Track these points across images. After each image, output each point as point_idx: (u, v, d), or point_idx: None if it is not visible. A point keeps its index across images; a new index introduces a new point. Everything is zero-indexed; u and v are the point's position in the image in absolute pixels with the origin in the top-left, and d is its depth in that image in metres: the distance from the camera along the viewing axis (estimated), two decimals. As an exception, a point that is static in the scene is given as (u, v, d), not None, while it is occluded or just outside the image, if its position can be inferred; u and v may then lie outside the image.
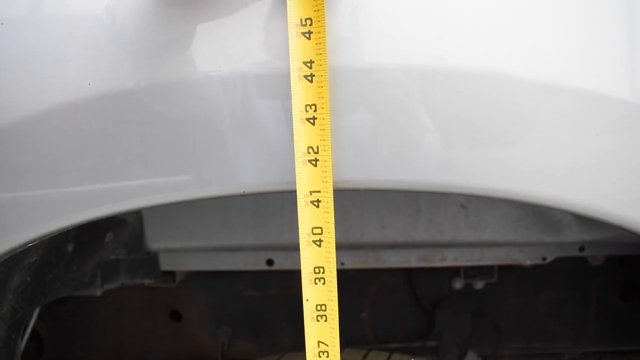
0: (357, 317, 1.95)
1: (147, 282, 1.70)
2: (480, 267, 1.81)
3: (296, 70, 0.75)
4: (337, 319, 0.80)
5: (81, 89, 0.80)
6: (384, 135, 0.78)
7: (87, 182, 0.83)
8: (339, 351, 0.81)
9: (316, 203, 0.78)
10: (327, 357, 0.80)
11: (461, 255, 1.70)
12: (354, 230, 1.59)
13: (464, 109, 0.79)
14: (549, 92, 0.79)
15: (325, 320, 0.80)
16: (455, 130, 0.79)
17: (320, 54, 0.74)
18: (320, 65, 0.75)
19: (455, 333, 1.90)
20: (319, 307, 0.80)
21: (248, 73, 0.78)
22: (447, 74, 0.78)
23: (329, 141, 0.76)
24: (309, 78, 0.75)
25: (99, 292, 1.58)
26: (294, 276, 1.85)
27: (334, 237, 0.78)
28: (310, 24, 0.75)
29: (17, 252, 0.90)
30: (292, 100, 0.76)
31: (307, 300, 0.80)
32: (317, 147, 0.76)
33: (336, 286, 0.79)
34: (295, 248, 1.59)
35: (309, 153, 0.77)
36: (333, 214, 0.77)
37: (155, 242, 1.62)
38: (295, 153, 0.77)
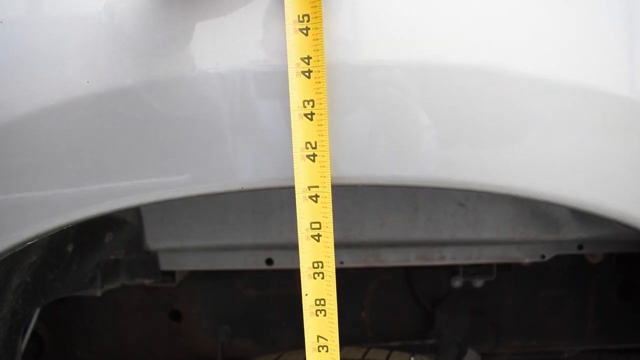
0: (357, 315, 1.95)
1: (147, 282, 1.70)
2: (479, 266, 1.81)
3: (294, 67, 0.76)
4: (336, 314, 0.80)
5: (79, 86, 0.80)
6: (382, 130, 0.79)
7: (85, 180, 0.83)
8: (338, 346, 0.81)
9: (314, 198, 0.78)
10: (327, 351, 0.81)
11: (460, 253, 1.69)
12: (353, 229, 1.59)
13: (462, 105, 0.79)
14: (548, 88, 0.79)
15: (325, 315, 0.80)
16: (453, 125, 0.80)
17: (317, 50, 0.75)
18: (318, 61, 0.75)
19: (455, 331, 1.90)
20: (318, 302, 0.81)
21: (246, 70, 0.79)
22: (445, 70, 0.78)
23: (327, 136, 0.77)
24: (307, 74, 0.75)
25: (99, 293, 1.58)
26: (294, 275, 1.79)
27: (332, 232, 0.78)
28: (308, 20, 0.75)
29: (16, 250, 0.90)
30: (290, 96, 0.77)
31: (307, 294, 0.80)
32: (315, 142, 0.77)
33: (335, 281, 0.79)
34: (295, 247, 1.60)
35: (307, 148, 0.77)
36: (331, 209, 0.78)
37: (154, 242, 1.62)
38: (294, 148, 0.78)
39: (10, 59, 0.83)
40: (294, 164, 0.78)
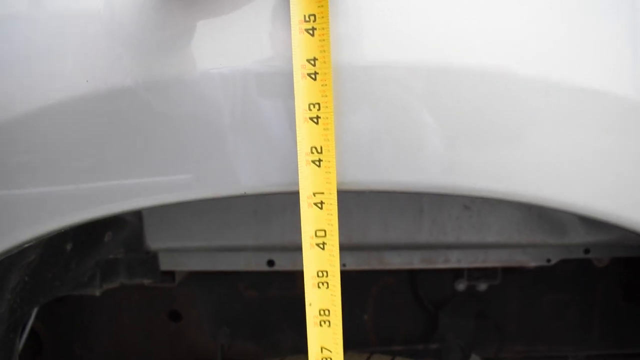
0: (359, 318, 1.93)
1: (147, 282, 1.68)
2: (484, 269, 1.79)
3: (299, 68, 0.73)
4: (341, 325, 0.78)
5: (78, 85, 0.77)
6: (391, 135, 0.76)
7: (83, 182, 0.81)
8: (342, 358, 0.78)
9: (319, 205, 0.76)
10: (330, 363, 0.78)
11: (465, 256, 1.68)
12: (356, 231, 1.57)
13: (471, 109, 0.76)
14: (556, 91, 0.77)
15: (329, 326, 0.77)
16: (463, 130, 0.77)
17: (324, 51, 0.72)
18: (324, 62, 0.72)
19: (458, 335, 1.88)
20: (322, 312, 0.78)
21: (250, 71, 0.76)
22: (454, 72, 0.75)
23: (333, 141, 0.74)
24: (313, 76, 0.73)
25: (97, 292, 1.57)
26: (295, 277, 1.85)
27: (338, 240, 0.76)
28: (314, 21, 0.72)
29: (13, 252, 0.87)
30: (295, 98, 0.74)
31: (310, 304, 0.77)
32: (321, 147, 0.74)
33: (340, 291, 0.76)
34: (297, 249, 1.58)
35: (313, 153, 0.74)
36: (337, 217, 0.75)
37: (154, 241, 1.60)
38: (298, 153, 0.75)
39: (6, 56, 0.80)
40: (299, 169, 0.75)
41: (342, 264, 1.67)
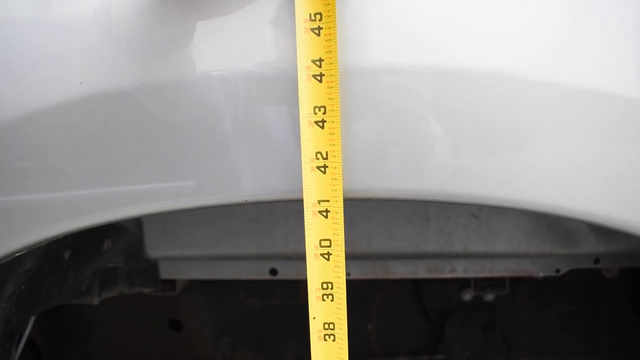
0: (363, 328, 1.90)
1: (147, 290, 1.67)
2: (491, 279, 1.76)
3: (304, 69, 0.69)
4: (346, 339, 0.74)
5: (72, 88, 0.74)
6: (399, 141, 0.72)
7: (78, 188, 0.78)
8: (347, 374, 0.75)
9: (325, 213, 0.72)
10: (335, 379, 0.74)
11: (472, 266, 1.65)
12: (360, 240, 1.55)
13: (480, 115, 0.73)
14: (568, 97, 0.74)
15: (334, 340, 0.74)
16: (471, 137, 0.74)
17: (330, 51, 0.69)
18: (331, 64, 0.69)
19: (464, 347, 1.85)
20: (326, 326, 0.74)
21: (252, 73, 0.73)
22: (461, 76, 0.72)
23: (339, 146, 0.70)
24: (318, 77, 0.69)
25: (96, 301, 1.56)
26: (298, 286, 1.83)
27: (344, 250, 0.72)
28: (320, 20, 0.69)
29: (5, 261, 0.84)
30: (300, 101, 0.70)
31: (314, 317, 0.74)
32: (327, 152, 0.70)
33: (345, 304, 0.73)
34: (300, 258, 1.56)
35: (318, 159, 0.71)
36: (343, 226, 0.71)
37: (155, 249, 1.58)
38: (303, 159, 0.71)
39: (-2, 59, 0.77)
40: (303, 176, 0.71)
41: (346, 273, 1.63)
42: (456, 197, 0.74)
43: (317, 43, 0.69)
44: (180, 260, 1.63)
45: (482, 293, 1.79)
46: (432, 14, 0.72)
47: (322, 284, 0.73)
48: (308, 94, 0.69)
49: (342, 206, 0.71)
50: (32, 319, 1.37)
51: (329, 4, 0.68)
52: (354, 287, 1.76)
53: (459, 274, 1.66)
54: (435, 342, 1.89)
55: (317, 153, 0.71)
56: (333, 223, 0.72)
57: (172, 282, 1.73)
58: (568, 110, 0.74)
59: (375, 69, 0.72)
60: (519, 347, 1.91)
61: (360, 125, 0.72)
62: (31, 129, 0.76)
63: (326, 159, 0.70)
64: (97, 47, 0.74)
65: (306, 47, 0.69)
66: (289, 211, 1.54)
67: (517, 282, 1.78)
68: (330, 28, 0.68)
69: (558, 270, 1.65)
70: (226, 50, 0.73)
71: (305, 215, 0.72)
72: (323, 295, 0.73)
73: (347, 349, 0.74)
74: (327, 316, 0.74)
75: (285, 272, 1.64)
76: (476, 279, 1.77)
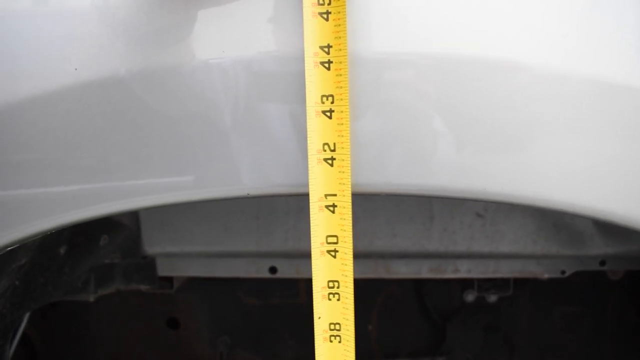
0: (363, 329, 1.88)
1: (144, 287, 1.65)
2: (494, 280, 1.74)
3: (311, 56, 0.66)
4: (353, 341, 0.70)
5: (66, 75, 0.70)
6: (410, 133, 0.69)
7: (72, 180, 0.74)
8: (354, 377, 0.71)
9: (332, 208, 0.68)
10: (340, 383, 0.71)
11: (475, 266, 1.63)
12: (363, 238, 1.52)
13: (491, 109, 0.70)
14: (581, 90, 0.70)
15: (340, 342, 0.70)
16: (484, 132, 0.70)
17: (339, 37, 0.65)
18: (340, 50, 0.65)
19: (466, 349, 1.83)
20: (332, 326, 0.71)
21: (256, 59, 0.69)
22: (474, 67, 0.69)
23: (348, 137, 0.66)
24: (326, 65, 0.65)
25: (92, 298, 1.55)
26: (298, 285, 1.81)
27: (352, 247, 0.68)
28: (329, 3, 0.65)
29: (-2, 255, 0.81)
30: (307, 90, 0.66)
31: (319, 317, 0.70)
32: (334, 144, 0.67)
33: (353, 303, 0.69)
34: (301, 256, 1.54)
35: (325, 151, 0.67)
36: (351, 221, 0.68)
37: (152, 246, 1.56)
38: (309, 151, 0.67)
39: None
40: (309, 169, 0.68)
41: (349, 272, 1.60)
42: (468, 193, 0.70)
43: (326, 28, 0.65)
44: (178, 257, 1.61)
45: (485, 294, 1.77)
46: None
47: (328, 282, 0.70)
48: (315, 82, 0.66)
49: (350, 201, 0.67)
50: (27, 316, 1.35)
51: (338, -13, 0.65)
52: (355, 287, 1.73)
53: (463, 274, 1.64)
54: (437, 344, 1.87)
55: (324, 144, 0.67)
56: (340, 219, 0.68)
57: (169, 280, 1.71)
58: (580, 104, 0.71)
59: (385, 58, 0.68)
60: (522, 349, 1.88)
61: (369, 116, 0.68)
62: (23, 118, 0.72)
63: (334, 150, 0.67)
64: (94, 32, 0.71)
65: (314, 32, 0.65)
66: (290, 208, 1.52)
67: (520, 283, 1.76)
68: (339, 12, 0.65)
69: (563, 272, 1.63)
70: (228, 37, 0.69)
71: (311, 210, 0.68)
72: (329, 294, 0.70)
73: (354, 351, 0.71)
74: (333, 316, 0.70)
75: (285, 271, 1.62)
76: (479, 280, 1.74)
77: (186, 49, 0.70)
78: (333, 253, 0.69)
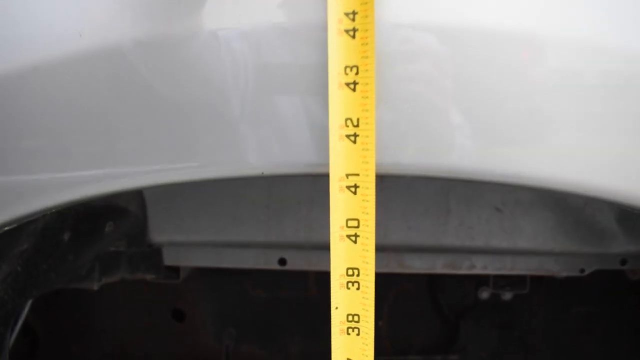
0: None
1: (149, 277, 1.61)
2: (510, 277, 1.70)
3: (335, 23, 0.60)
4: (373, 334, 0.65)
5: (70, 41, 0.65)
6: (441, 109, 0.63)
7: (73, 155, 0.69)
8: (372, 373, 0.66)
9: (353, 189, 0.63)
10: (358, 379, 0.66)
11: (491, 263, 1.58)
12: (375, 231, 1.46)
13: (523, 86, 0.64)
14: (608, 67, 0.64)
15: (358, 334, 0.65)
16: (517, 110, 0.65)
17: (366, 2, 0.59)
18: (366, 17, 0.59)
19: (480, 347, 1.80)
20: (350, 318, 0.65)
21: (274, 26, 0.63)
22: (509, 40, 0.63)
23: (374, 112, 0.61)
24: (351, 33, 0.60)
25: (96, 286, 1.50)
26: (307, 278, 1.79)
27: (374, 232, 0.63)
28: (355, -34, 0.60)
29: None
30: (329, 60, 0.61)
31: (337, 308, 0.65)
32: (358, 119, 0.61)
33: (373, 293, 0.64)
34: (312, 247, 1.49)
35: (347, 126, 0.62)
36: (374, 204, 0.62)
37: (159, 234, 1.53)
38: (330, 126, 0.62)
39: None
40: (330, 146, 0.62)
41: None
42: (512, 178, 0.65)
43: (351, -7, 0.60)
44: (185, 247, 1.57)
45: (500, 291, 1.73)
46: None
47: (348, 269, 0.64)
48: (339, 51, 0.60)
49: (374, 181, 0.62)
50: (29, 303, 1.32)
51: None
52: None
53: (478, 270, 1.58)
54: (450, 342, 1.83)
55: (346, 119, 0.61)
56: (363, 200, 0.63)
57: (175, 270, 1.68)
58: (605, 81, 0.65)
59: (415, 25, 0.63)
60: (536, 349, 1.84)
61: (398, 88, 0.62)
62: (22, 88, 0.68)
63: (357, 126, 0.61)
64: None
65: (338, -3, 0.60)
66: (302, 198, 1.47)
67: (536, 281, 1.72)
68: (366, -25, 0.59)
69: (582, 270, 1.57)
70: (243, 4, 0.64)
71: (330, 191, 0.63)
72: (348, 282, 0.65)
73: (372, 345, 0.65)
74: (352, 307, 0.65)
75: (295, 263, 1.58)
76: (495, 277, 1.70)
77: (199, 17, 0.65)
78: (353, 238, 0.64)
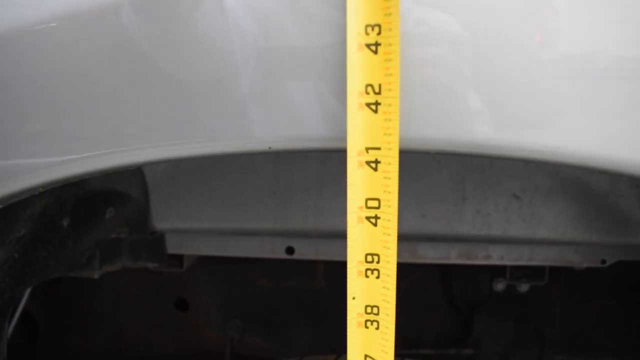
0: (384, 317, 1.78)
1: (151, 265, 1.57)
2: (527, 268, 1.64)
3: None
4: (393, 327, 0.58)
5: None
6: (472, 77, 0.56)
7: (66, 125, 0.62)
8: (393, 372, 0.59)
9: (374, 165, 0.56)
10: (376, 377, 0.59)
11: (509, 253, 1.53)
12: None
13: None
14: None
15: (377, 328, 0.58)
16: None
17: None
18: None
19: (495, 340, 1.75)
20: (369, 310, 0.58)
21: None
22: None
23: (397, 77, 0.54)
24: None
25: (96, 275, 1.47)
26: (315, 268, 1.75)
27: (397, 213, 0.56)
28: None
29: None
30: (347, 19, 0.54)
31: (354, 298, 0.58)
32: (380, 85, 0.54)
33: (395, 283, 0.57)
34: (321, 236, 1.43)
35: (368, 94, 0.54)
36: (397, 181, 0.55)
37: (161, 221, 1.48)
38: (348, 94, 0.55)
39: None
40: (348, 116, 0.55)
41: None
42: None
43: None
44: (189, 234, 1.54)
45: (516, 283, 1.67)
46: None
47: (367, 255, 0.57)
48: (359, 8, 0.53)
49: (397, 156, 0.55)
50: (28, 292, 1.32)
51: None
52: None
53: (495, 260, 1.53)
54: (463, 335, 1.79)
55: (367, 86, 0.54)
56: (385, 178, 0.56)
57: (179, 258, 1.64)
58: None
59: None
60: (554, 342, 1.79)
61: (421, 52, 0.55)
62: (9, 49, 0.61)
63: (379, 93, 0.54)
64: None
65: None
66: (310, 184, 1.42)
67: (553, 272, 1.66)
68: None
69: (604, 261, 1.52)
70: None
71: (348, 166, 0.56)
72: (367, 270, 0.58)
73: (393, 341, 0.59)
74: (371, 297, 0.58)
75: (303, 252, 1.53)
76: (512, 267, 1.65)
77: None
78: (374, 220, 0.57)
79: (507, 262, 1.53)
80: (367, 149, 0.55)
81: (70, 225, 1.22)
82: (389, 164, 0.55)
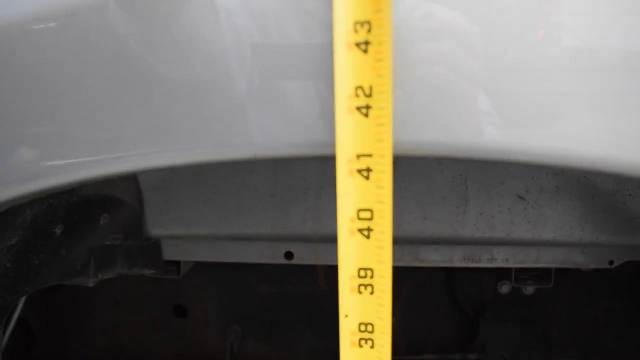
0: (387, 321, 1.76)
1: (148, 272, 1.55)
2: (533, 270, 1.61)
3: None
4: (389, 346, 0.54)
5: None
6: (469, 78, 0.52)
7: (56, 133, 0.59)
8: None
9: (365, 173, 0.52)
10: (371, 399, 0.55)
11: (513, 255, 1.50)
12: None
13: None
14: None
15: (372, 347, 0.54)
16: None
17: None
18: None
19: (501, 345, 1.73)
20: (362, 327, 0.55)
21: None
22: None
23: (390, 78, 0.50)
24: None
25: (91, 282, 1.48)
26: (316, 272, 1.74)
27: (391, 225, 0.52)
28: None
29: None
30: (334, 15, 0.50)
31: (346, 316, 0.54)
32: (371, 87, 0.50)
33: (390, 298, 0.53)
34: (321, 240, 1.40)
35: (358, 96, 0.51)
36: (391, 191, 0.51)
37: (157, 227, 1.45)
38: (336, 97, 0.51)
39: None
40: (336, 120, 0.51)
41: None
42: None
43: None
44: (185, 240, 1.51)
45: (522, 285, 1.64)
46: None
47: (359, 270, 0.53)
48: (347, 3, 0.49)
49: (391, 164, 0.51)
50: (22, 300, 1.32)
51: None
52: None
53: (499, 263, 1.50)
54: (468, 340, 1.76)
55: (357, 88, 0.50)
56: (377, 187, 0.52)
57: (176, 264, 1.62)
58: None
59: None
60: (561, 346, 1.78)
61: (416, 51, 0.51)
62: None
63: (369, 96, 0.50)
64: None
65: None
66: (309, 186, 1.39)
67: (560, 273, 1.63)
68: None
69: (611, 263, 1.49)
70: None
71: (337, 175, 0.52)
72: (360, 285, 0.54)
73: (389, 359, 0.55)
74: (365, 315, 0.54)
75: (303, 256, 1.51)
76: (517, 270, 1.62)
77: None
78: (366, 232, 0.53)
79: (512, 264, 1.50)
80: (357, 156, 0.51)
81: (63, 233, 1.20)
82: (382, 172, 0.51)
